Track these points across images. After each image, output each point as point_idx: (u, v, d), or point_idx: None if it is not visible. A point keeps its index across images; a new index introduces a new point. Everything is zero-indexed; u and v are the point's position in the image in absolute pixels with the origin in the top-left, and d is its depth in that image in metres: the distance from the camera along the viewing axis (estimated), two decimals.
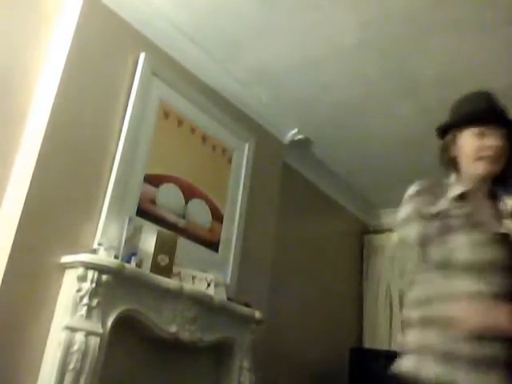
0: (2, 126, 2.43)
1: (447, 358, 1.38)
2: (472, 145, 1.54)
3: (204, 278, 2.91)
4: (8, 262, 2.20)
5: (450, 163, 1.62)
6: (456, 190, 1.55)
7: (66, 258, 2.38)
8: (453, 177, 1.61)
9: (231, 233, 3.36)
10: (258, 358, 3.16)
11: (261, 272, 3.56)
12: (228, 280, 3.20)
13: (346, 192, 4.99)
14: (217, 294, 2.90)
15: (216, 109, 3.39)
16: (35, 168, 2.35)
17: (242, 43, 3.20)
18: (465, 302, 1.41)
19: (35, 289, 2.28)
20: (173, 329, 2.63)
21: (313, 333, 4.20)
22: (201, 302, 2.78)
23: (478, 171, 1.54)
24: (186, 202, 3.08)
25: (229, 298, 3.01)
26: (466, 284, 1.42)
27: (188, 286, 2.73)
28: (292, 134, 4.05)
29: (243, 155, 3.58)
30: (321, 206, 4.70)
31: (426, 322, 1.45)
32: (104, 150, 2.69)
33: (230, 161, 3.48)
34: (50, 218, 2.39)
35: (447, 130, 1.62)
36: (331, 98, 3.65)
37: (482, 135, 1.53)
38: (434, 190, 1.58)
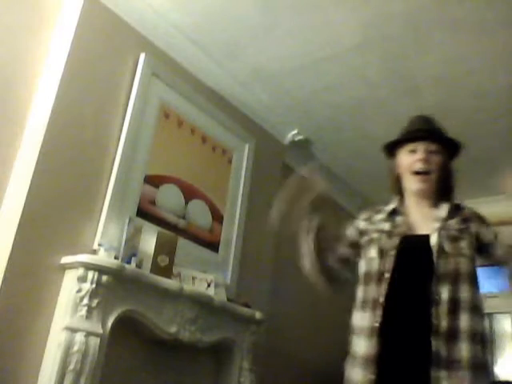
0: (3, 126, 2.42)
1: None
2: (406, 161, 1.74)
3: (204, 278, 2.91)
4: (8, 262, 2.20)
5: (396, 182, 1.80)
6: (390, 206, 1.77)
7: (66, 259, 2.37)
8: (395, 198, 1.80)
9: (231, 233, 3.36)
10: (258, 359, 3.15)
11: (261, 272, 3.55)
12: (228, 280, 3.20)
13: (346, 192, 4.98)
14: (217, 294, 2.90)
15: (216, 109, 3.39)
16: (35, 168, 2.35)
17: (242, 44, 3.20)
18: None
19: (35, 289, 2.27)
20: (173, 329, 2.63)
21: (313, 333, 4.19)
22: (201, 303, 2.78)
23: (414, 186, 1.72)
24: (186, 203, 3.08)
25: (229, 299, 3.01)
26: (360, 292, 1.67)
27: (188, 287, 2.73)
28: (292, 134, 4.05)
29: (243, 156, 3.58)
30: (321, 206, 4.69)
31: None
32: (104, 151, 2.69)
33: (230, 161, 3.48)
34: (50, 218, 2.39)
35: (393, 152, 1.82)
36: (331, 98, 3.65)
37: (413, 152, 1.72)
38: (375, 210, 1.81)
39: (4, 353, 2.13)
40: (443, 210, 1.68)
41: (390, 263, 1.59)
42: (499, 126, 3.67)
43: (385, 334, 1.52)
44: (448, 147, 1.75)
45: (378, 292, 1.58)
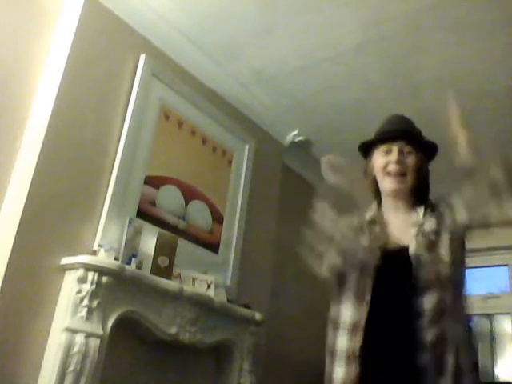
0: (3, 126, 2.42)
1: None
2: (380, 161, 1.69)
3: (204, 279, 2.91)
4: (8, 263, 2.19)
5: (372, 184, 1.75)
6: (367, 216, 1.72)
7: (66, 260, 2.37)
8: (372, 204, 1.75)
9: (231, 234, 3.36)
10: (258, 360, 3.15)
11: (261, 273, 3.55)
12: (228, 281, 3.19)
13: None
14: (217, 295, 2.90)
15: (216, 110, 3.39)
16: (35, 169, 2.35)
17: (243, 45, 3.20)
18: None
19: (35, 290, 2.27)
20: (173, 330, 2.63)
21: (313, 334, 4.18)
22: (201, 304, 2.78)
23: (388, 187, 1.68)
24: (186, 204, 3.08)
25: (229, 300, 3.00)
26: (332, 311, 1.66)
27: (188, 288, 2.73)
28: (292, 135, 4.05)
29: (243, 157, 3.57)
30: None
31: None
32: (104, 152, 2.69)
33: (230, 162, 3.48)
34: (50, 219, 2.39)
35: (369, 152, 1.76)
36: (331, 99, 3.65)
37: (387, 153, 1.68)
38: (352, 217, 1.75)
39: (4, 353, 2.13)
40: (419, 213, 1.64)
41: (369, 281, 1.54)
42: (499, 126, 3.67)
43: (366, 357, 1.48)
44: (424, 148, 1.70)
45: (358, 314, 1.53)
